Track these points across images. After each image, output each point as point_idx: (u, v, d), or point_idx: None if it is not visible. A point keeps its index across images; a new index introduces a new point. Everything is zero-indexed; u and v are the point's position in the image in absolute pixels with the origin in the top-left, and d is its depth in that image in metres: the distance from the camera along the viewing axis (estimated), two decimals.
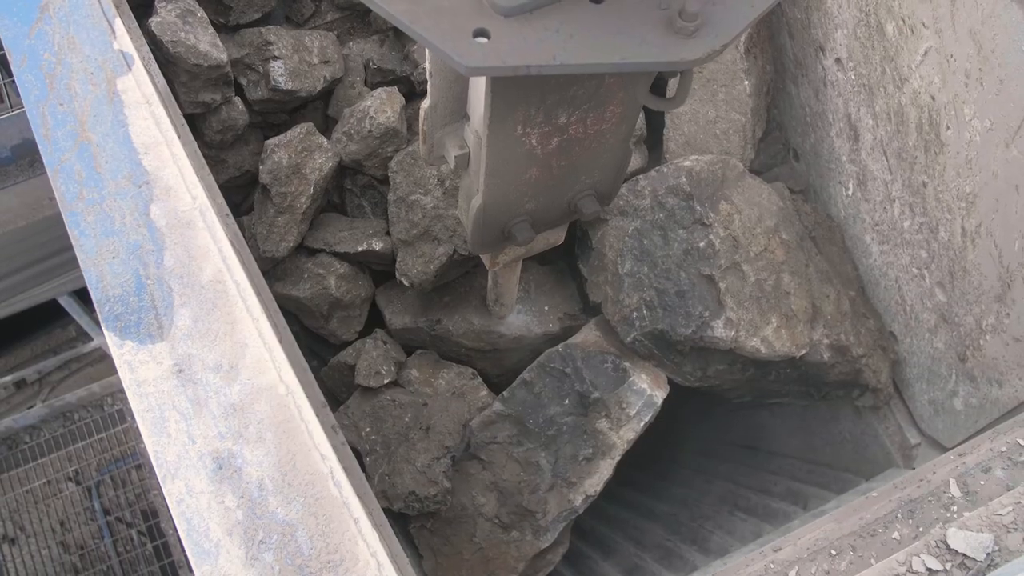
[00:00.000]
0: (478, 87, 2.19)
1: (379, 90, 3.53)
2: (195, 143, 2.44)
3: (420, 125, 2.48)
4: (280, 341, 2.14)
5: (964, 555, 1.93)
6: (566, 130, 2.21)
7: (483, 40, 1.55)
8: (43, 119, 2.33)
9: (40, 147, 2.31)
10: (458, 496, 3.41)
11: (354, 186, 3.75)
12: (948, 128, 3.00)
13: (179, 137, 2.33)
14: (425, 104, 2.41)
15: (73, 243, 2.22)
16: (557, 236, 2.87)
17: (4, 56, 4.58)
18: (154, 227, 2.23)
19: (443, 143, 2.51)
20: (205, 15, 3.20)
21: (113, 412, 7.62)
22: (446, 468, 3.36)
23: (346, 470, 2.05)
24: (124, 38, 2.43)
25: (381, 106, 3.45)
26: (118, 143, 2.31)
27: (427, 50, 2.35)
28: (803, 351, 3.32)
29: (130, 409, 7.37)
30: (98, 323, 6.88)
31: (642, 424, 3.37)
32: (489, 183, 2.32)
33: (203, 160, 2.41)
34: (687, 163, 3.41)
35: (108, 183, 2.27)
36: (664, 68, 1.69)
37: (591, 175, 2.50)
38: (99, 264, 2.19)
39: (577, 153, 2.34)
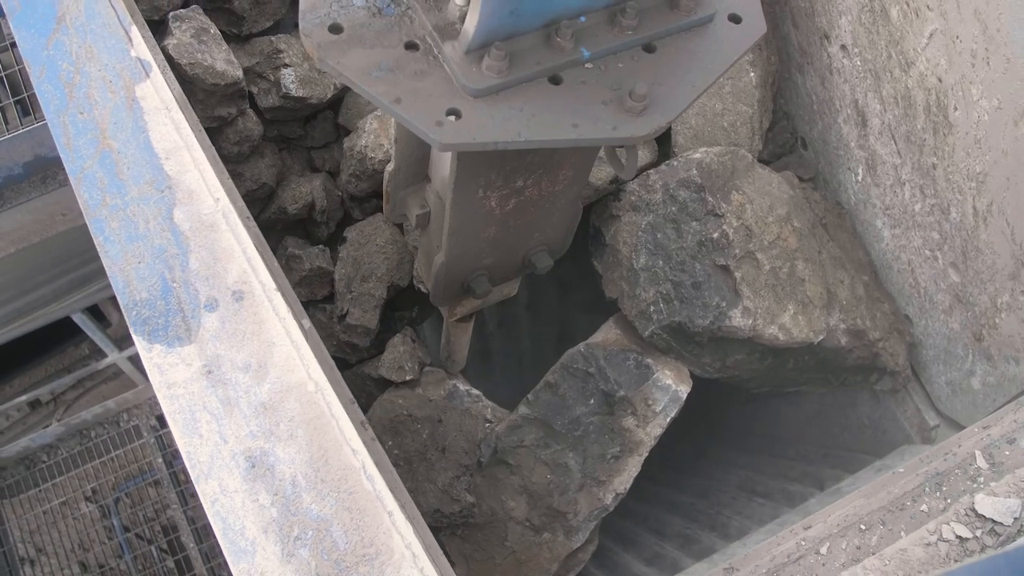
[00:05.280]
0: (443, 155, 2.42)
1: (369, 118, 3.55)
2: (213, 148, 2.46)
3: (384, 187, 2.69)
4: (307, 339, 2.16)
5: (993, 520, 1.94)
6: (522, 192, 2.40)
7: (454, 119, 1.72)
8: (64, 128, 2.35)
9: (62, 156, 2.33)
10: (487, 501, 3.42)
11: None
12: (956, 109, 3.02)
13: (199, 142, 2.35)
14: (389, 167, 2.63)
15: (98, 249, 2.24)
16: (511, 288, 3.06)
17: (10, 75, 4.63)
18: (178, 231, 2.25)
19: (405, 202, 2.74)
20: (218, 31, 3.21)
21: (129, 428, 7.63)
22: (467, 485, 3.39)
23: (377, 464, 2.07)
24: (141, 46, 2.45)
25: (376, 140, 3.50)
26: (139, 149, 2.33)
27: (393, 120, 2.50)
28: (820, 337, 3.34)
29: (146, 425, 7.39)
30: (112, 340, 6.92)
31: (668, 420, 3.38)
32: (451, 241, 2.50)
33: (222, 165, 2.43)
34: (697, 155, 3.43)
35: (131, 189, 2.29)
36: (616, 143, 1.91)
37: (544, 232, 2.71)
38: (125, 269, 2.21)
39: (532, 213, 2.54)
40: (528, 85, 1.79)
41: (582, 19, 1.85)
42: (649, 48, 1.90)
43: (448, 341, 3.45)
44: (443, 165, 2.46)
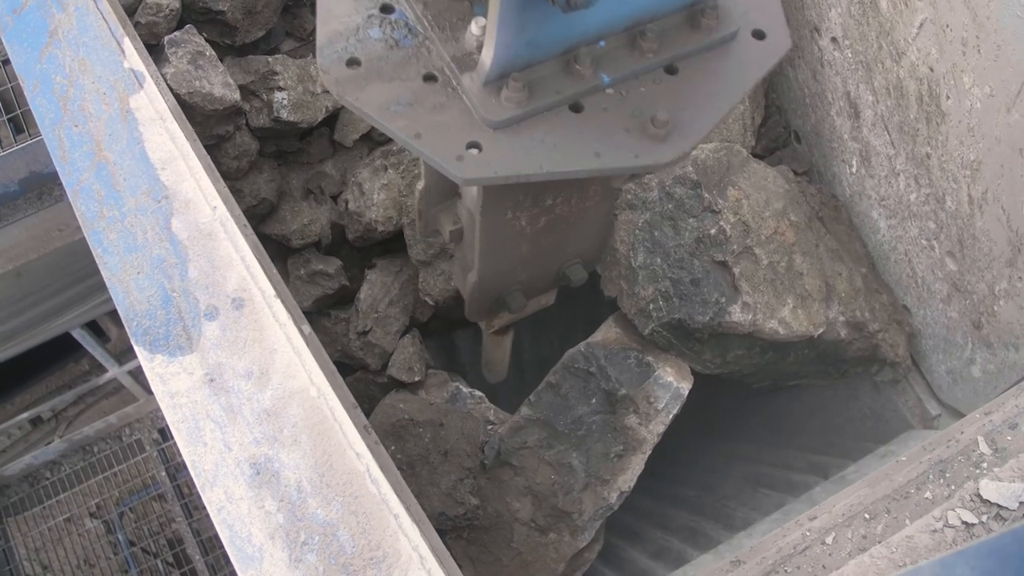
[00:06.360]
0: None
1: (376, 188, 3.59)
2: (209, 157, 2.46)
3: (416, 204, 2.66)
4: (307, 344, 2.17)
5: (998, 505, 1.95)
6: (553, 210, 2.37)
7: (476, 152, 1.68)
8: (59, 142, 2.35)
9: (58, 169, 2.33)
10: (492, 503, 3.42)
11: None
12: (948, 98, 3.03)
13: (194, 151, 2.36)
14: (419, 186, 2.60)
15: (97, 261, 2.25)
16: (548, 299, 3.02)
17: (2, 93, 4.63)
18: (176, 240, 2.26)
19: (437, 219, 2.70)
20: (214, 53, 3.20)
21: (131, 442, 7.63)
22: (471, 487, 3.40)
23: (382, 467, 2.07)
24: (134, 57, 2.46)
25: (385, 214, 3.59)
26: (135, 160, 2.34)
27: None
28: (820, 330, 3.34)
29: (149, 438, 7.39)
30: (112, 354, 6.91)
31: (670, 417, 3.38)
32: (483, 261, 2.48)
33: (218, 173, 2.43)
34: (692, 152, 3.43)
35: (128, 200, 2.30)
36: (640, 171, 1.86)
37: (577, 246, 2.67)
38: (124, 280, 2.22)
39: (563, 229, 2.50)
40: (549, 114, 1.75)
41: (601, 44, 1.81)
42: (671, 69, 1.85)
43: (486, 352, 3.45)
44: (472, 188, 2.45)
